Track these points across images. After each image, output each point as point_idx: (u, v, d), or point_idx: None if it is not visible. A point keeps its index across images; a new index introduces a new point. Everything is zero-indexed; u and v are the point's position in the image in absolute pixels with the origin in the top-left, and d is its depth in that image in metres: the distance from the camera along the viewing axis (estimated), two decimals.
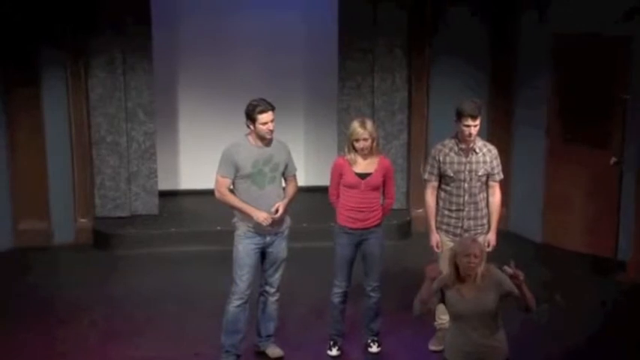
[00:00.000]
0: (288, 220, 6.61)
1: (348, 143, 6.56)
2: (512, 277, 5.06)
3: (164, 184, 10.02)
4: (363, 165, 6.53)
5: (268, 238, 6.47)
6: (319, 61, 10.24)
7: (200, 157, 9.88)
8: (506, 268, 5.07)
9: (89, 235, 9.40)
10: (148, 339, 7.08)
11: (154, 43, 9.40)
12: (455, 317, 5.22)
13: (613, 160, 8.63)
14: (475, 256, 5.09)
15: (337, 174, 6.60)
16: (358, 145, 6.46)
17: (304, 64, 10.39)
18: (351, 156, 6.52)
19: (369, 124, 6.51)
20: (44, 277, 8.46)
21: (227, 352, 6.51)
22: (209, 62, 10.18)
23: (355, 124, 6.50)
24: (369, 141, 6.46)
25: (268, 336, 6.76)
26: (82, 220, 9.45)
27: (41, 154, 9.24)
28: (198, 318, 7.37)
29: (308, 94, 10.50)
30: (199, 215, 9.66)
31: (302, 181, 10.24)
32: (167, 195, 10.10)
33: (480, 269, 5.13)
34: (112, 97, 9.34)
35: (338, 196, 6.65)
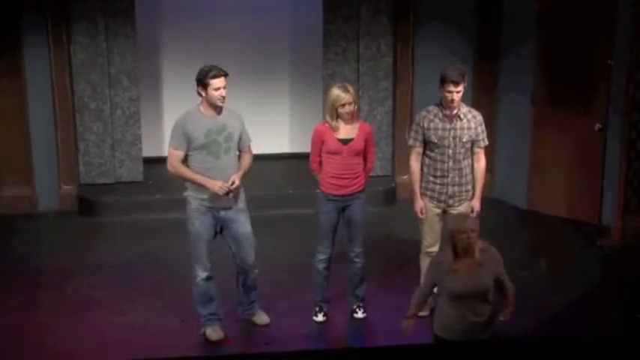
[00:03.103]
0: (242, 196, 6.44)
1: (331, 110, 6.49)
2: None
3: (148, 151, 9.96)
4: (345, 130, 6.50)
5: (222, 213, 6.34)
6: (305, 28, 10.17)
7: None
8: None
9: (74, 201, 9.37)
10: (133, 306, 7.07)
11: (136, 8, 9.30)
12: (450, 296, 5.22)
13: (597, 126, 8.66)
14: (472, 231, 5.14)
15: (319, 141, 6.56)
16: (344, 109, 6.42)
17: (290, 31, 10.32)
18: (334, 122, 6.48)
19: (350, 88, 6.49)
20: (29, 244, 8.44)
21: (208, 320, 6.53)
22: (193, 28, 10.08)
23: (337, 91, 6.44)
24: (353, 105, 6.44)
25: (252, 302, 6.74)
26: (67, 186, 9.41)
27: (24, 121, 9.18)
28: (184, 285, 7.31)
29: (293, 60, 10.44)
30: (184, 182, 9.61)
31: (287, 147, 10.38)
32: (151, 162, 10.03)
33: (478, 244, 5.18)
34: (95, 63, 9.25)
35: (320, 164, 6.63)
